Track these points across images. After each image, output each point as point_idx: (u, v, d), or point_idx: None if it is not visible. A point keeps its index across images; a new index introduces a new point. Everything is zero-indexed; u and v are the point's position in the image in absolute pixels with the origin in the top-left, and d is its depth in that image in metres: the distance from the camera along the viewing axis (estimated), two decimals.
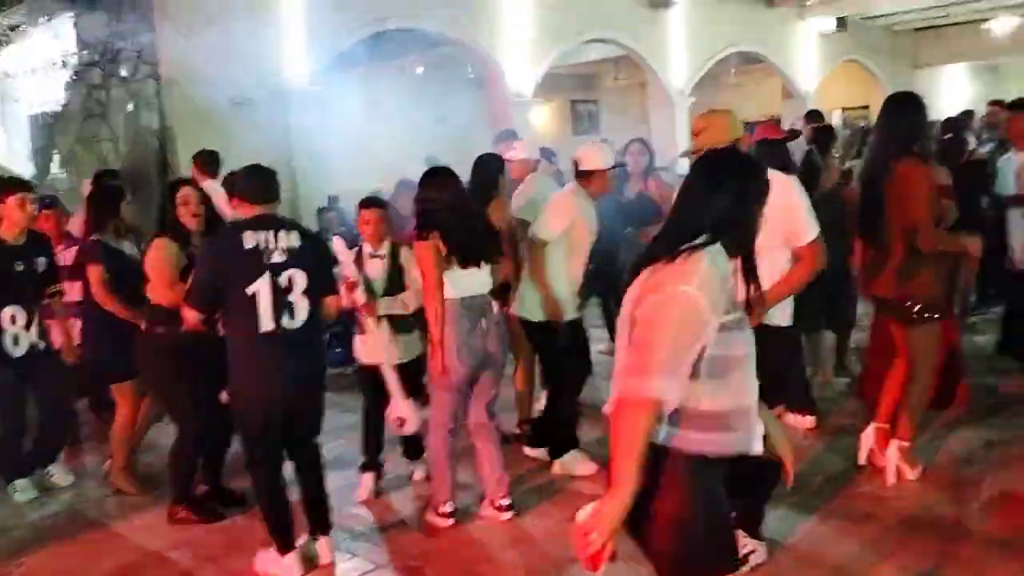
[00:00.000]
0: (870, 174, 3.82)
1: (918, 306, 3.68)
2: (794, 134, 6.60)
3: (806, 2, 13.75)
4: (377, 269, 4.15)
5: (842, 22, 14.16)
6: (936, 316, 3.70)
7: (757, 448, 2.05)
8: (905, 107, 3.75)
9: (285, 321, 3.32)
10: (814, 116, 7.38)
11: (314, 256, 3.44)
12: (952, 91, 18.74)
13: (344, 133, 14.49)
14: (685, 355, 1.88)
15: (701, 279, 1.87)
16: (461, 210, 3.76)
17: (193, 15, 6.64)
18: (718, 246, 1.96)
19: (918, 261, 3.63)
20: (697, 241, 1.94)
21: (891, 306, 3.80)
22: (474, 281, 3.75)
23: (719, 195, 1.99)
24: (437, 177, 3.85)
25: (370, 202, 4.25)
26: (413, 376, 4.16)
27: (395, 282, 4.13)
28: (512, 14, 9.48)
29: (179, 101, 6.79)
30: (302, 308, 3.36)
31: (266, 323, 3.28)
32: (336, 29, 7.90)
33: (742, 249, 2.03)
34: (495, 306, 3.84)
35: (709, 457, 1.95)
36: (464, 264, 3.69)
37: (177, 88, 6.78)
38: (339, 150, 12.10)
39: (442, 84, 16.28)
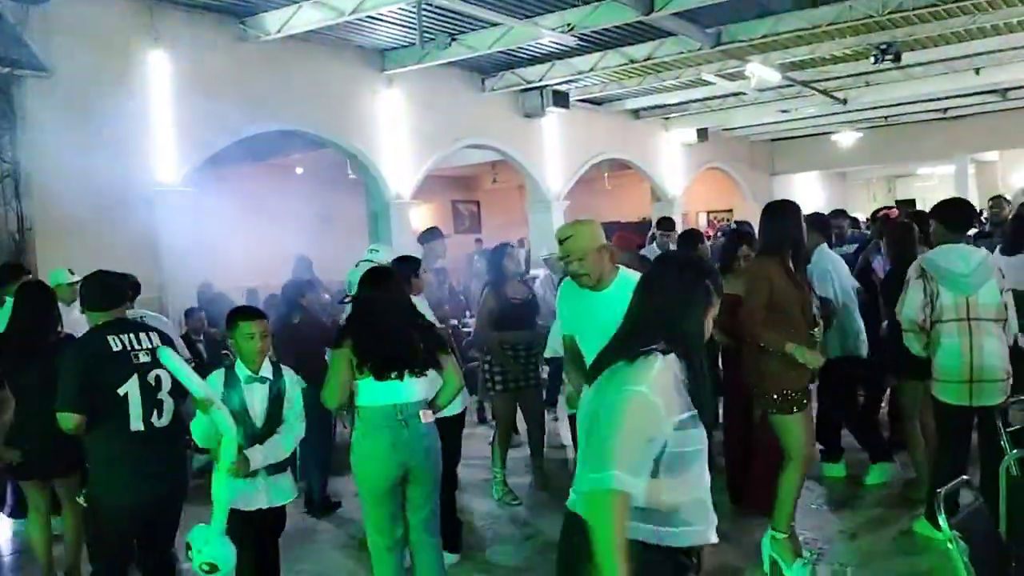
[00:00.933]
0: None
1: (774, 396, 3.89)
2: (653, 238, 6.96)
3: (669, 115, 14.67)
4: (257, 398, 3.49)
5: (703, 133, 15.18)
6: (792, 407, 3.88)
7: (713, 538, 2.13)
8: (772, 214, 4.13)
9: (155, 419, 3.33)
10: (663, 223, 7.89)
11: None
12: (806, 196, 20.21)
13: (219, 234, 14.27)
14: (644, 450, 1.98)
15: (655, 380, 2.00)
16: (374, 317, 3.52)
17: (59, 112, 6.51)
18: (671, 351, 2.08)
19: (761, 354, 3.91)
20: (653, 345, 2.06)
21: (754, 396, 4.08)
22: (399, 390, 3.47)
23: (663, 300, 2.15)
24: (369, 279, 3.64)
25: (254, 313, 3.60)
26: (277, 519, 3.62)
27: (275, 416, 3.50)
28: (389, 120, 9.74)
29: (40, 202, 6.57)
30: (168, 408, 3.39)
31: (136, 422, 3.28)
32: (210, 130, 7.91)
33: (687, 352, 2.10)
34: (427, 415, 3.56)
35: (669, 548, 2.04)
36: (379, 376, 3.44)
37: (39, 188, 6.57)
38: (213, 251, 11.89)
39: (323, 184, 16.42)
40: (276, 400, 3.50)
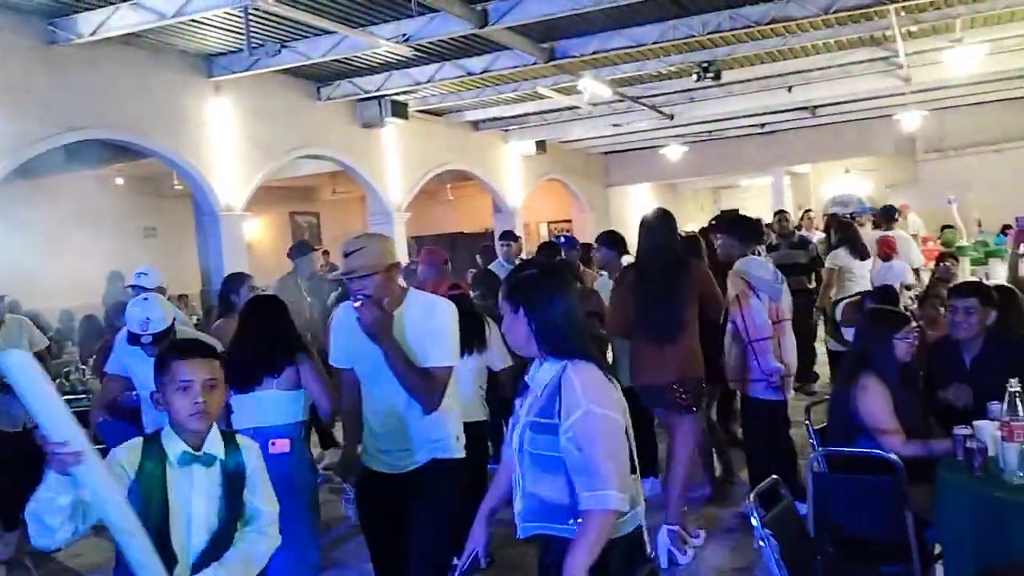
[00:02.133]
0: None
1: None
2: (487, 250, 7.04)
3: (508, 127, 14.90)
4: (200, 490, 2.57)
5: (541, 145, 15.51)
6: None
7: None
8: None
9: None
10: (506, 236, 8.05)
11: None
12: (639, 206, 21.06)
13: (29, 249, 13.22)
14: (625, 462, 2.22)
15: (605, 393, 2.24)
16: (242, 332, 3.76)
17: None
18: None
19: None
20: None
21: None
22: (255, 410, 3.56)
23: (547, 315, 2.31)
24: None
25: (196, 348, 2.49)
26: None
27: (232, 519, 2.70)
28: (218, 128, 9.33)
29: None
30: None
31: None
32: (12, 140, 7.28)
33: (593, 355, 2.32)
34: (283, 444, 3.52)
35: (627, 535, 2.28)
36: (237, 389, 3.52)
37: None
38: (22, 269, 10.96)
39: (147, 195, 15.56)
40: (232, 491, 2.43)
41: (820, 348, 8.14)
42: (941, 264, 6.79)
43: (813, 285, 8.32)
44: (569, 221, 19.10)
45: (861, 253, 7.49)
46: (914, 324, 3.63)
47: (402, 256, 12.19)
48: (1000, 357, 3.62)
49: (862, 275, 7.46)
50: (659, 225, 4.52)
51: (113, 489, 2.15)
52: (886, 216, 9.07)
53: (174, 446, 2.35)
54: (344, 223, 18.30)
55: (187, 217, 11.78)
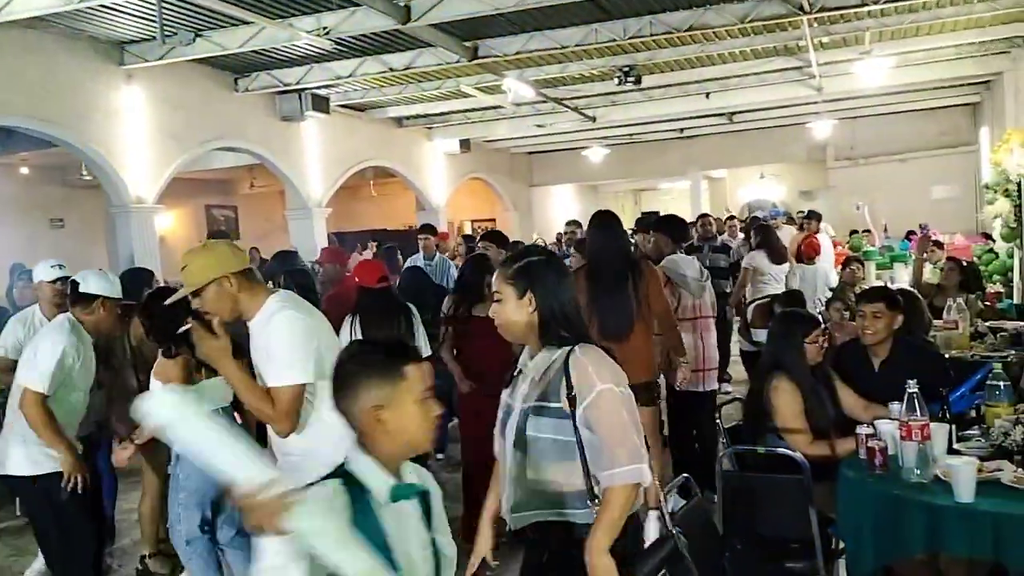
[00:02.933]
0: None
1: None
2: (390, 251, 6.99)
3: (432, 124, 14.82)
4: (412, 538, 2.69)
5: (466, 143, 15.49)
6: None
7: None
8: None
9: None
10: (426, 229, 8.10)
11: None
12: (561, 206, 21.28)
13: None
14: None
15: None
16: None
17: None
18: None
19: None
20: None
21: None
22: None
23: (556, 301, 2.31)
24: None
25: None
26: None
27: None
28: (129, 118, 9.00)
29: None
30: None
31: None
32: None
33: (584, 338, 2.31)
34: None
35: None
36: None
37: None
38: None
39: (53, 184, 14.94)
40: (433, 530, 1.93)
41: (734, 348, 8.34)
42: (847, 268, 7.04)
43: (732, 289, 8.55)
44: (493, 220, 19.13)
45: (778, 257, 7.73)
46: (822, 327, 3.75)
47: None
48: (907, 359, 3.77)
49: (776, 278, 7.69)
50: (609, 225, 4.55)
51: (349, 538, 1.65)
52: (815, 219, 9.49)
53: (375, 478, 1.78)
54: (263, 217, 17.95)
55: (97, 207, 11.36)
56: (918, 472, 2.86)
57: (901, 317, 3.90)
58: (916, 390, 2.88)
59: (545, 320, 2.30)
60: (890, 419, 3.17)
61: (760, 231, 8.16)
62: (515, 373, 2.38)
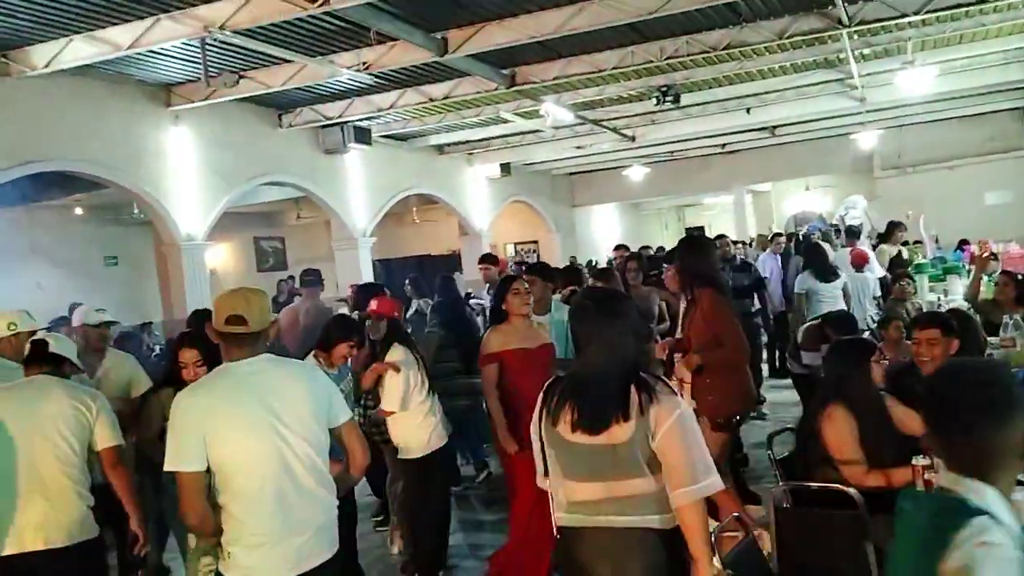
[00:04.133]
0: None
1: None
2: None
3: (473, 150, 14.93)
4: None
5: (506, 168, 15.56)
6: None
7: None
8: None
9: None
10: (487, 259, 8.13)
11: None
12: (605, 225, 21.22)
13: None
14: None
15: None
16: None
17: None
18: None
19: None
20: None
21: None
22: None
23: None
24: None
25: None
26: None
27: None
28: (177, 157, 9.23)
29: None
30: None
31: None
32: None
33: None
34: None
35: None
36: None
37: None
38: None
39: (106, 223, 15.35)
40: None
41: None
42: (897, 284, 6.89)
43: (757, 307, 8.48)
44: (536, 242, 19.16)
45: (827, 275, 7.60)
46: (878, 349, 3.65)
47: (368, 280, 12.13)
48: None
49: (831, 295, 7.55)
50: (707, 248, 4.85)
51: None
52: (853, 235, 9.47)
53: (1009, 519, 1.58)
54: (310, 247, 18.19)
55: (149, 245, 11.64)
56: None
57: (957, 342, 3.78)
58: None
59: None
60: None
61: (806, 251, 8.06)
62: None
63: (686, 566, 2.45)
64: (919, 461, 3.04)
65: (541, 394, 2.70)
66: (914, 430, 3.55)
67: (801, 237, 11.80)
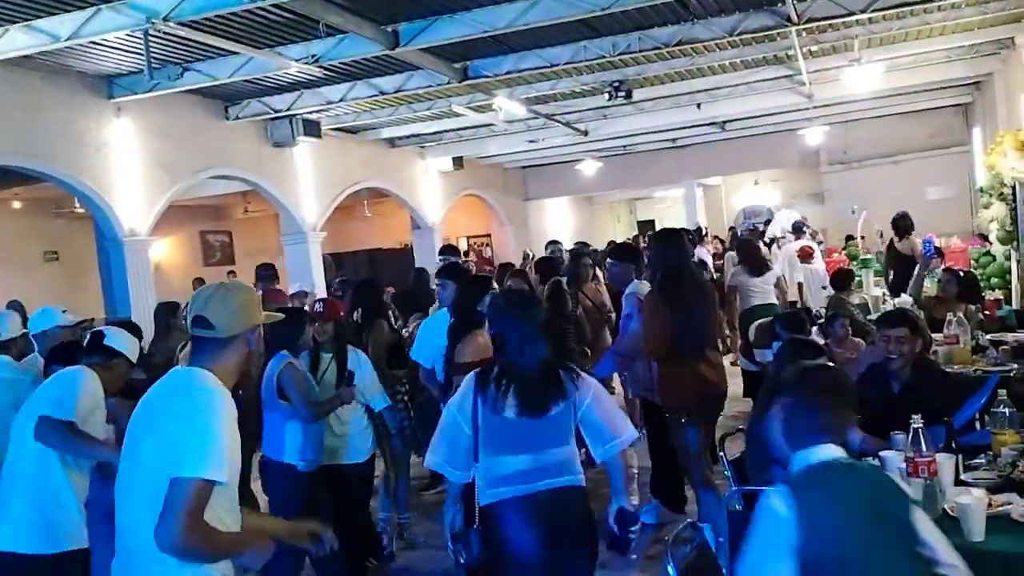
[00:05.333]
0: None
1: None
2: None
3: (424, 144, 14.80)
4: None
5: (458, 161, 15.47)
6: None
7: None
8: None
9: None
10: (447, 250, 8.02)
11: None
12: (557, 219, 21.25)
13: None
14: None
15: None
16: None
17: None
18: None
19: None
20: None
21: None
22: None
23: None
24: None
25: None
26: None
27: None
28: (120, 151, 8.96)
29: None
30: None
31: None
32: None
33: None
34: None
35: None
36: None
37: None
38: None
39: (46, 218, 14.89)
40: None
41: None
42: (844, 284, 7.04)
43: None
44: (489, 235, 19.11)
45: (758, 269, 7.89)
46: (825, 356, 3.67)
47: (318, 275, 11.97)
48: (928, 385, 3.74)
49: (762, 289, 7.82)
50: (678, 241, 4.94)
51: None
52: (796, 232, 9.63)
53: None
54: (257, 241, 17.90)
55: (91, 239, 11.31)
56: (926, 509, 2.80)
57: (921, 341, 3.86)
58: (921, 425, 2.84)
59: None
60: (897, 450, 3.12)
61: (738, 247, 8.31)
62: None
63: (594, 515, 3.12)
64: (868, 462, 3.08)
65: (470, 384, 3.14)
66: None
67: (738, 233, 12.17)
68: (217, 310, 2.40)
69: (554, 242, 10.27)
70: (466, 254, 12.48)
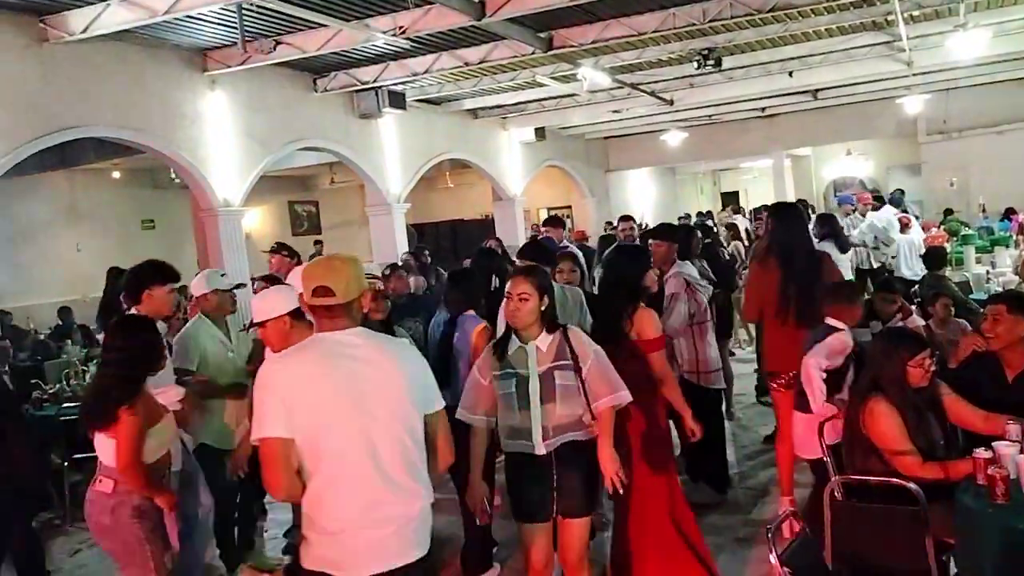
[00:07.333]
0: None
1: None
2: None
3: (507, 115, 14.75)
4: None
5: (541, 132, 15.37)
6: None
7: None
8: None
9: None
10: (552, 221, 8.01)
11: None
12: (639, 190, 20.97)
13: (22, 246, 13.11)
14: None
15: None
16: None
17: None
18: None
19: None
20: None
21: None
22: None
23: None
24: None
25: None
26: None
27: None
28: (214, 123, 9.19)
29: None
30: None
31: None
32: (10, 137, 7.17)
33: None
34: None
35: None
36: None
37: None
38: (14, 266, 10.82)
39: (144, 187, 15.44)
40: None
41: None
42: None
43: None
44: (569, 207, 18.99)
45: (845, 245, 7.79)
46: (929, 350, 3.44)
47: (402, 246, 12.11)
48: None
49: (845, 267, 7.72)
50: (798, 216, 5.07)
51: None
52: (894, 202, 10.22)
53: None
54: (343, 211, 18.22)
55: (186, 208, 11.68)
56: None
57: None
58: None
59: (549, 312, 3.39)
60: (1011, 441, 2.96)
61: (821, 221, 8.09)
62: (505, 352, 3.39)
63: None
64: (981, 454, 2.94)
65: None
66: (965, 420, 3.44)
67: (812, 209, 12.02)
68: (335, 279, 2.50)
69: (626, 218, 9.29)
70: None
